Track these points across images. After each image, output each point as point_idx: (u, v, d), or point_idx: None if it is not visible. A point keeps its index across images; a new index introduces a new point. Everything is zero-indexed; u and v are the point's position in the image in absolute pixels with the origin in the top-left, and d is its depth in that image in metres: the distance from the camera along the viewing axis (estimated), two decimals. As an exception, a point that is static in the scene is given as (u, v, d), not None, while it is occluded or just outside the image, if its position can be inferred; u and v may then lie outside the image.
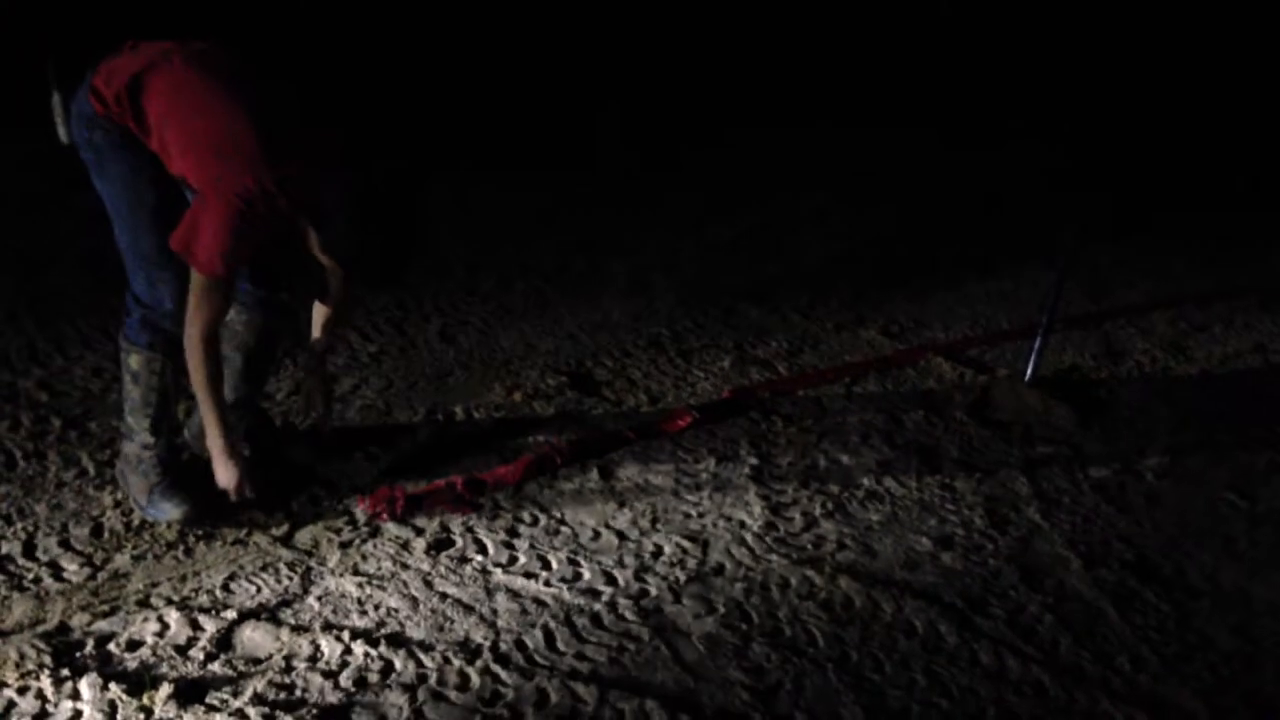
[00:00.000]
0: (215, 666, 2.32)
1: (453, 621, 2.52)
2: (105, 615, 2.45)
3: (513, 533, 2.90)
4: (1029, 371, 4.07)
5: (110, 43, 2.61)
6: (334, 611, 2.52)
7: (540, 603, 2.62)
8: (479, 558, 2.78)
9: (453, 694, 2.28)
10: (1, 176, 5.53)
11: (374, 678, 2.31)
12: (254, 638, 2.41)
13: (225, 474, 2.74)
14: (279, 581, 2.62)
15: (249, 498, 2.78)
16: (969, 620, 2.66)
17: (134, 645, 2.36)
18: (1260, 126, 8.44)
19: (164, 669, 2.30)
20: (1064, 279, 4.04)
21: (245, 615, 2.48)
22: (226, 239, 2.44)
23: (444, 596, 2.61)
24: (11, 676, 2.23)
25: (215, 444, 2.72)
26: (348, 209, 2.47)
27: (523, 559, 2.79)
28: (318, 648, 2.39)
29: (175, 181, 2.58)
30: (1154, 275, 5.57)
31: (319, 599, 2.57)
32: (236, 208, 2.42)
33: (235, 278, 2.62)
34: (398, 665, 2.35)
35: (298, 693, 2.25)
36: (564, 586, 2.69)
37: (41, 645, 2.32)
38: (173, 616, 2.45)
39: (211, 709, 2.18)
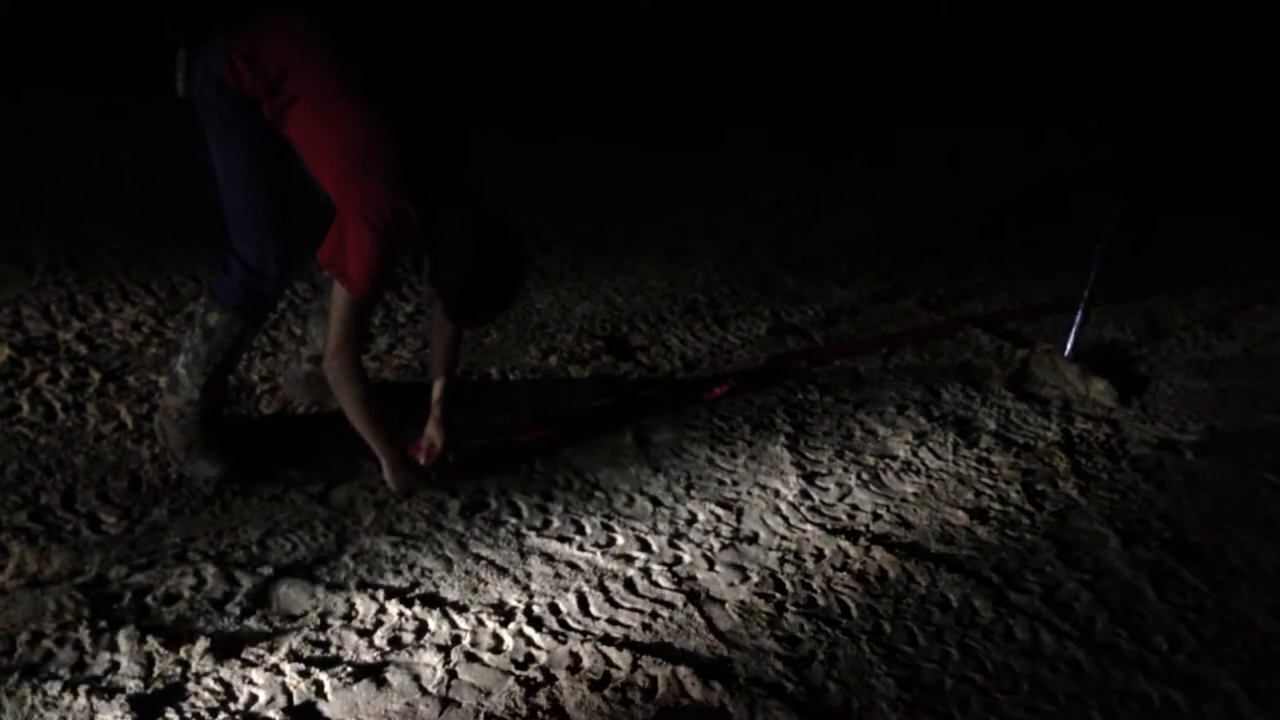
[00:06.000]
0: (251, 622, 2.33)
1: (486, 583, 2.52)
2: (143, 568, 2.46)
3: (547, 496, 2.90)
4: (1069, 346, 4.03)
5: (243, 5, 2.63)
6: (369, 570, 2.53)
7: (574, 567, 2.61)
8: (513, 520, 2.78)
9: (486, 655, 2.28)
10: (44, 131, 5.55)
11: (408, 637, 2.31)
12: (290, 594, 2.42)
13: (401, 481, 2.84)
14: (315, 539, 2.63)
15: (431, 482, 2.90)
16: (1004, 595, 2.64)
17: (171, 599, 2.37)
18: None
19: (200, 623, 2.31)
20: (1108, 254, 4.00)
21: (281, 572, 2.49)
22: (373, 260, 2.51)
23: (478, 558, 2.61)
24: (50, 626, 2.25)
25: (385, 456, 2.81)
26: (466, 249, 2.55)
27: (556, 523, 2.79)
28: (353, 606, 2.40)
29: (295, 151, 2.61)
30: (1197, 252, 5.49)
31: (354, 557, 2.57)
32: (379, 229, 2.48)
33: (377, 297, 2.70)
34: (432, 625, 2.35)
35: (333, 650, 2.26)
36: (597, 551, 2.69)
37: (79, 596, 2.33)
38: (209, 571, 2.46)
39: (247, 664, 2.19)
